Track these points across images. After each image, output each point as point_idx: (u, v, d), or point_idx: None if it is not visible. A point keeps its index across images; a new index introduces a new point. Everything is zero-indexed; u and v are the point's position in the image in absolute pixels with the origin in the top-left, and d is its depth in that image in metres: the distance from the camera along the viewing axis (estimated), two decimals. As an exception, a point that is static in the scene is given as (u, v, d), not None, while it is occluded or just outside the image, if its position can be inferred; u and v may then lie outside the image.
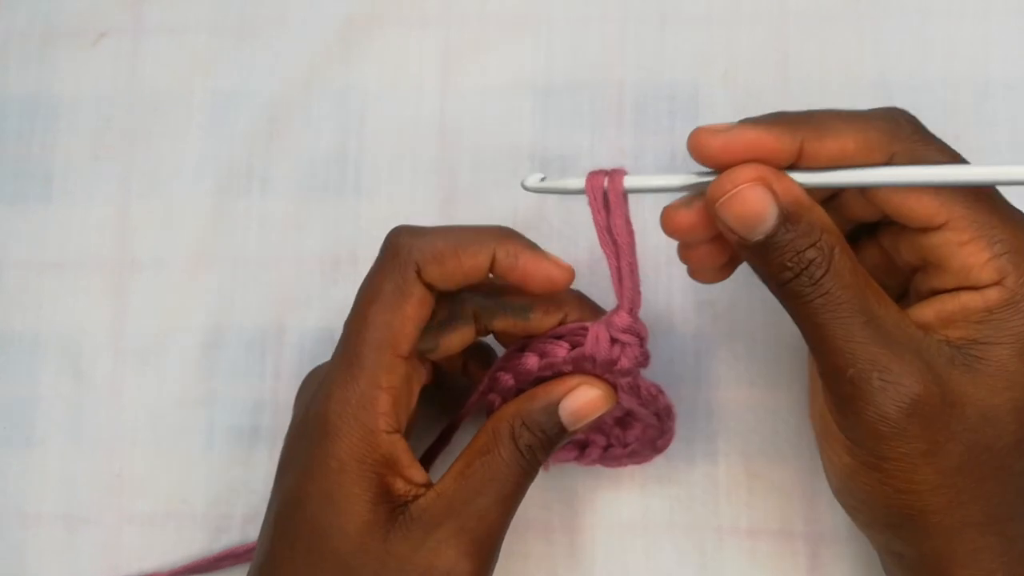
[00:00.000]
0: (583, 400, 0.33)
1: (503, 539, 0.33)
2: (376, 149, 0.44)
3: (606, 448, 0.38)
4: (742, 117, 0.42)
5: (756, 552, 0.39)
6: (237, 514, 0.41)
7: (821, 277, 0.30)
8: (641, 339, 0.33)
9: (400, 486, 0.32)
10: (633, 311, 0.33)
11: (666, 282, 0.41)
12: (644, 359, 0.34)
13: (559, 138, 0.43)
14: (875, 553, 0.39)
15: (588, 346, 0.33)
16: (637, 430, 0.37)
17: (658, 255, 0.41)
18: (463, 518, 0.31)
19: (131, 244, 0.44)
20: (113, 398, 0.42)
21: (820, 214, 0.30)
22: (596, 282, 0.41)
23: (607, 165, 0.42)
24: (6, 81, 0.45)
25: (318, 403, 0.33)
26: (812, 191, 0.31)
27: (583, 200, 0.40)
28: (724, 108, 0.43)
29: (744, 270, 0.41)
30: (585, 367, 0.34)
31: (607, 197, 0.32)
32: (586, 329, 0.33)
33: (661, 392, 0.35)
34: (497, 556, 0.33)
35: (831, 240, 0.30)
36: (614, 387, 0.34)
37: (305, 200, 0.43)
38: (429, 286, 0.33)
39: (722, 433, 0.40)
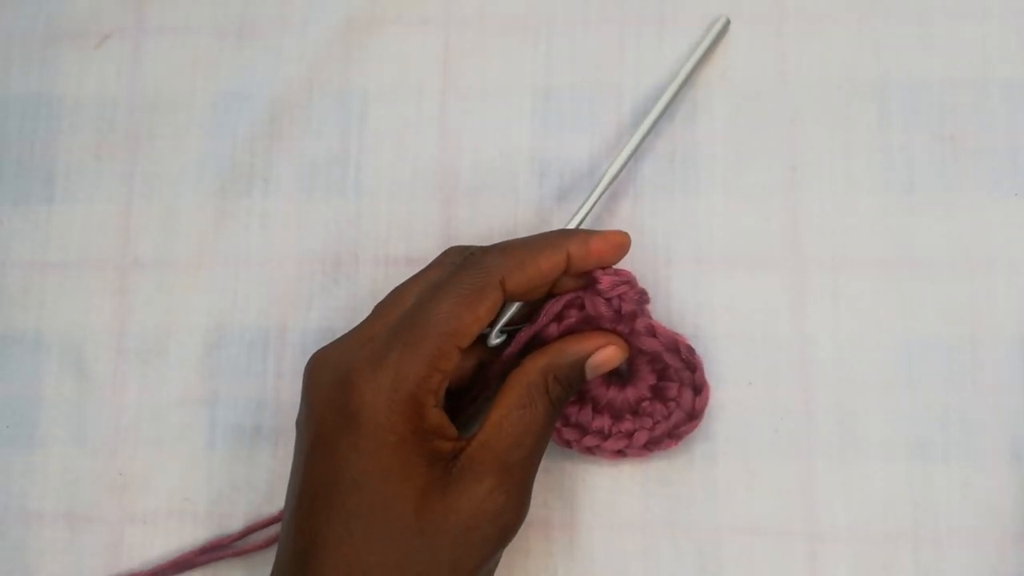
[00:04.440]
0: (604, 356, 0.37)
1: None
2: (376, 150, 0.44)
3: (652, 429, 0.39)
4: (741, 117, 0.42)
5: (755, 552, 0.39)
6: (239, 513, 0.41)
7: None
8: (629, 282, 0.36)
9: (446, 446, 0.34)
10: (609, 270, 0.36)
11: (665, 282, 0.41)
12: (642, 296, 0.37)
13: (559, 139, 0.43)
14: (874, 553, 0.39)
15: (591, 311, 0.36)
16: (673, 391, 0.38)
17: (657, 255, 0.42)
18: (508, 466, 0.34)
19: (133, 244, 0.44)
20: (115, 397, 0.43)
21: None
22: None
23: (605, 164, 0.42)
24: (9, 82, 0.46)
25: (371, 383, 0.33)
26: None
27: (581, 200, 0.40)
28: (723, 108, 0.43)
29: (747, 270, 0.41)
30: (597, 323, 0.37)
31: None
32: (580, 297, 0.37)
33: (678, 334, 0.37)
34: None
35: None
36: (630, 337, 0.37)
37: (306, 200, 0.44)
38: (510, 295, 0.35)
39: (722, 433, 0.40)
